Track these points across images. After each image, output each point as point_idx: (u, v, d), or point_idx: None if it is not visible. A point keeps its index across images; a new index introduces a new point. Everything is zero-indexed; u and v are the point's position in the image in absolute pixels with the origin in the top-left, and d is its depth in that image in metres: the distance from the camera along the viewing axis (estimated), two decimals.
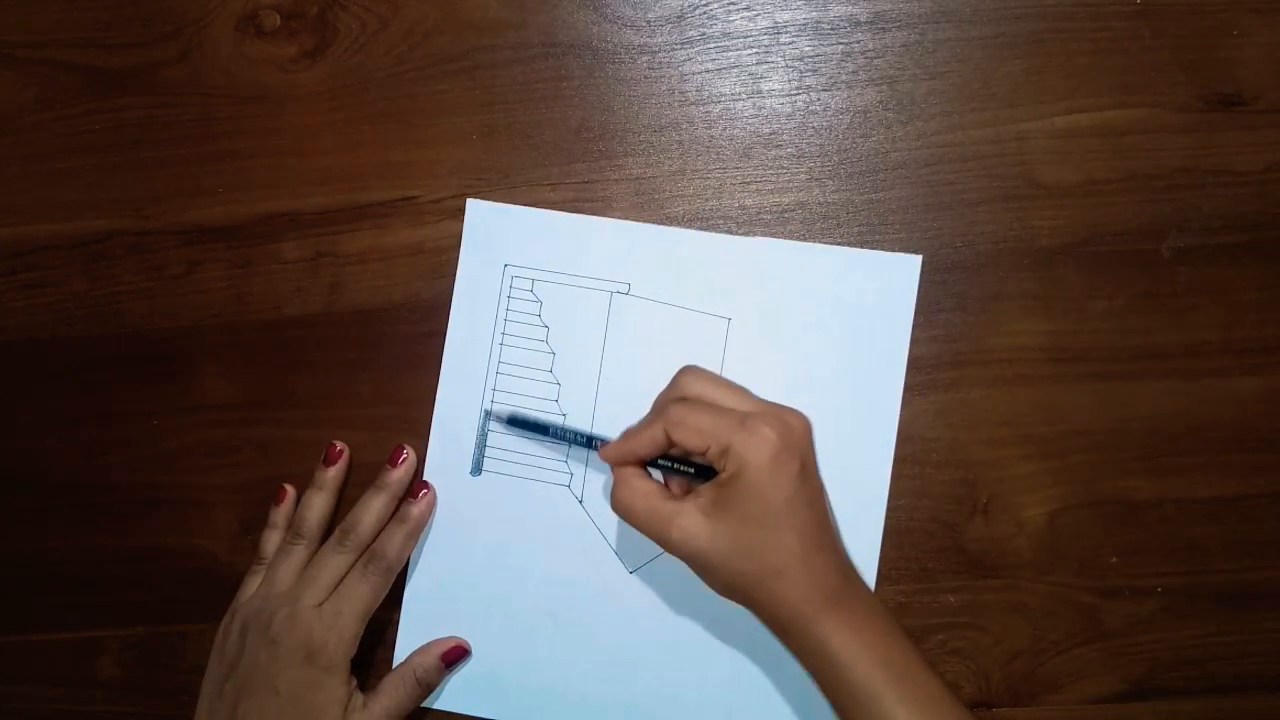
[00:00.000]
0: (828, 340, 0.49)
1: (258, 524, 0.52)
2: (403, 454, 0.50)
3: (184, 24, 0.53)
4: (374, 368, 0.52)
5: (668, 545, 0.44)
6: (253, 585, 0.50)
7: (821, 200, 0.51)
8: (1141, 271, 0.49)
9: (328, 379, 0.52)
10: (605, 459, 0.46)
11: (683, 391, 0.45)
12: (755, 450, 0.42)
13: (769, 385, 0.47)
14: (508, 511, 0.51)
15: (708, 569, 0.44)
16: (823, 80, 0.51)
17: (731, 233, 0.51)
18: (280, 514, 0.51)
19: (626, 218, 0.51)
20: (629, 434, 0.46)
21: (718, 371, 0.50)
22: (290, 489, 0.51)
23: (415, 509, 0.50)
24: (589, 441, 0.49)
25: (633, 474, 0.45)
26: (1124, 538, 0.49)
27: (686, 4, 0.52)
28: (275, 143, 0.53)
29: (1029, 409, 0.49)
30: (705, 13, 0.52)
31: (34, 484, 0.54)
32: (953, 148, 0.50)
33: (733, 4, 0.51)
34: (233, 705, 0.47)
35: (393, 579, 0.49)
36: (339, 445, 0.51)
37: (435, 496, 0.51)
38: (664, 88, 0.52)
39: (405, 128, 0.52)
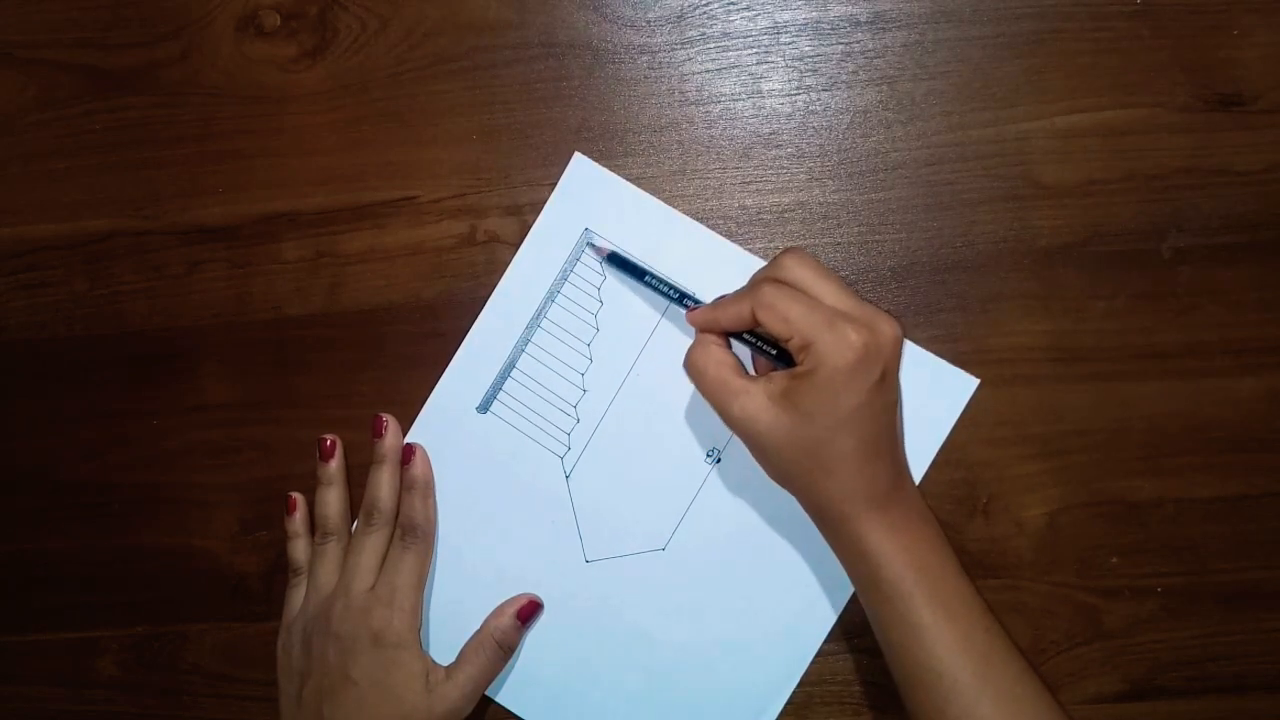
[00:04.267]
0: None
1: (258, 524, 0.52)
2: (383, 422, 0.51)
3: (184, 24, 0.53)
4: (374, 368, 0.52)
5: (727, 418, 0.44)
6: (296, 597, 0.50)
7: (821, 200, 0.51)
8: (1141, 271, 0.49)
9: (328, 379, 0.52)
10: (691, 322, 0.46)
11: (781, 273, 0.43)
12: (837, 354, 0.41)
13: None
14: (496, 458, 0.51)
15: (760, 451, 0.44)
16: (823, 80, 0.51)
17: (731, 234, 0.51)
18: (297, 522, 0.51)
19: None
20: (719, 302, 0.45)
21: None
22: (297, 495, 0.51)
23: (416, 470, 0.50)
24: (681, 299, 0.48)
25: (712, 341, 0.45)
26: (1124, 538, 0.49)
27: (686, 4, 0.52)
28: (275, 143, 0.53)
29: (1029, 409, 0.49)
30: (705, 13, 0.52)
31: (34, 484, 0.54)
32: (953, 148, 0.50)
33: (733, 4, 0.51)
34: (315, 711, 0.47)
35: (431, 542, 0.50)
36: (329, 438, 0.51)
37: (426, 452, 0.51)
38: (664, 88, 0.52)
39: (405, 128, 0.52)
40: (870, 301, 0.44)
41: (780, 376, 0.43)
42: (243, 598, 0.53)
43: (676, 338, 0.50)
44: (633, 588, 0.50)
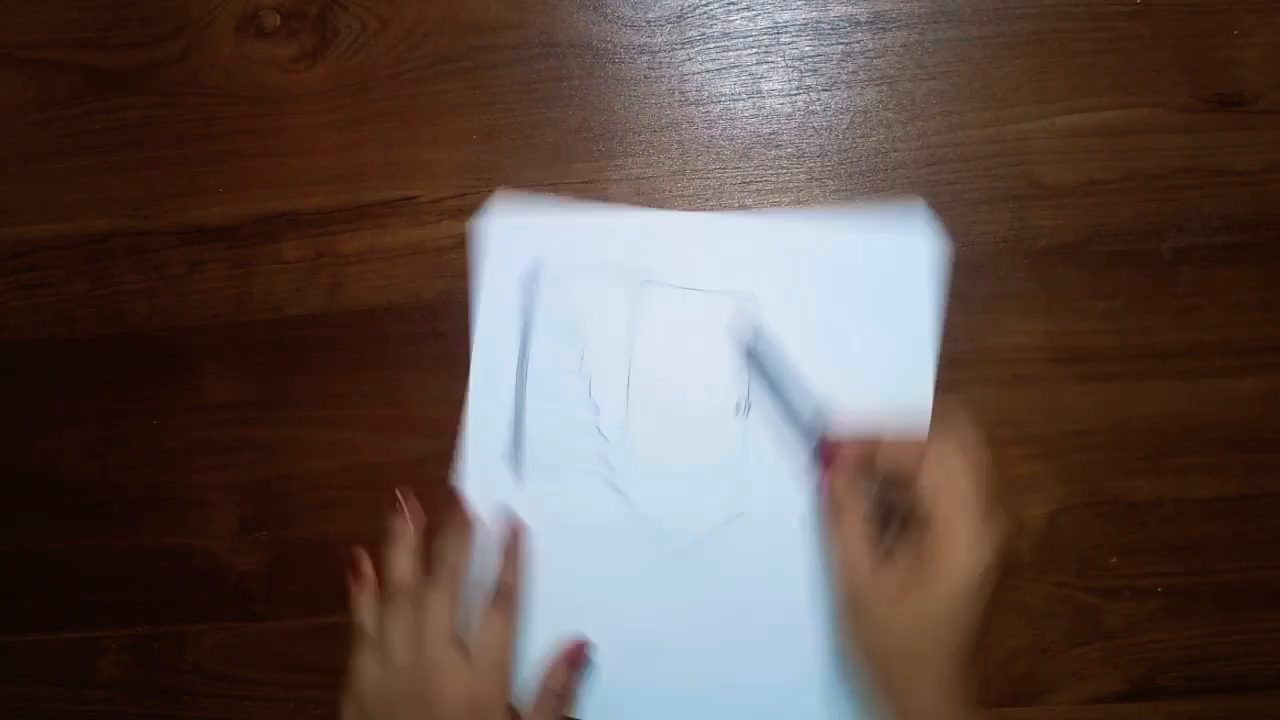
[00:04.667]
0: (851, 301, 0.49)
1: (258, 524, 0.52)
2: (463, 507, 0.50)
3: (184, 24, 0.53)
4: (374, 368, 0.52)
5: (851, 588, 0.43)
6: (366, 664, 0.47)
7: (821, 200, 0.51)
8: (1141, 271, 0.49)
9: (328, 379, 0.52)
10: (839, 455, 0.45)
11: (956, 440, 0.43)
12: (973, 564, 0.41)
13: (800, 347, 0.49)
14: (545, 507, 0.50)
15: (866, 637, 0.44)
16: (823, 80, 0.51)
17: None
18: (367, 584, 0.49)
19: None
20: (888, 440, 0.45)
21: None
22: (363, 555, 0.49)
23: (518, 543, 0.50)
24: (809, 435, 0.47)
25: (854, 508, 0.44)
26: (1124, 538, 0.49)
27: (686, 4, 0.52)
28: (275, 143, 0.53)
29: (1029, 409, 0.49)
30: (705, 13, 0.52)
31: (34, 484, 0.54)
32: (953, 148, 0.50)
33: (733, 4, 0.51)
34: None
35: (520, 605, 0.49)
36: (399, 496, 0.50)
37: (525, 530, 0.50)
38: (664, 88, 0.52)
39: (405, 128, 0.52)
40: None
41: (906, 562, 0.42)
42: (243, 598, 0.53)
43: (655, 314, 0.50)
44: (709, 580, 0.50)
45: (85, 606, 0.53)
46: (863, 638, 0.44)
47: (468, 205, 0.52)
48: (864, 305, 0.49)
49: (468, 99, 0.52)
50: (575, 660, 0.49)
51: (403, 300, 0.52)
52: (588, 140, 0.52)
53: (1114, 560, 0.49)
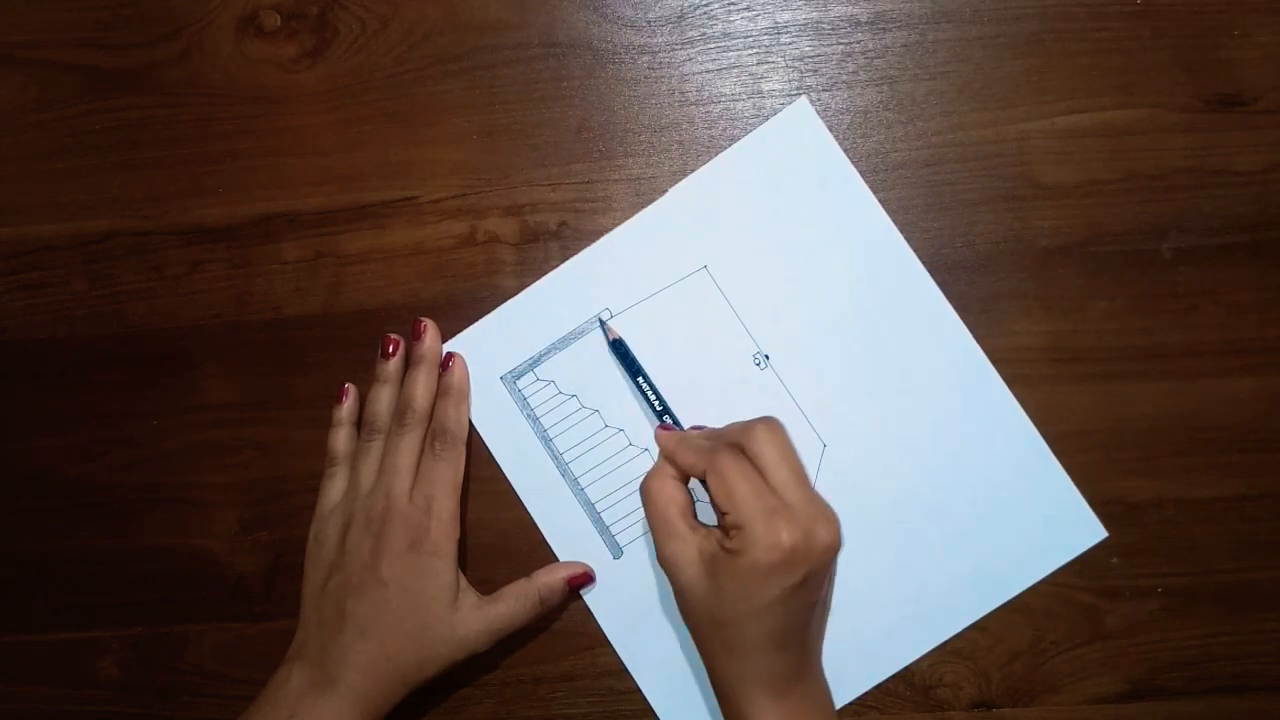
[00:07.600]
0: (794, 216, 0.50)
1: (258, 524, 0.52)
2: (422, 324, 0.51)
3: (184, 24, 0.53)
4: (374, 368, 0.52)
5: (659, 556, 0.44)
6: (332, 488, 0.50)
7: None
8: (1141, 272, 0.50)
9: (328, 379, 0.52)
10: (657, 441, 0.47)
11: (747, 442, 0.43)
12: (762, 549, 0.41)
13: (776, 281, 0.50)
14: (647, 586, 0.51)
15: (678, 597, 0.44)
16: (823, 80, 0.51)
17: None
18: (344, 411, 0.51)
19: (626, 218, 0.51)
20: (686, 439, 0.46)
21: (734, 318, 0.50)
22: (351, 387, 0.52)
23: (452, 377, 0.50)
24: (660, 414, 0.49)
25: (670, 474, 0.45)
26: (1124, 538, 0.49)
27: (686, 4, 0.52)
28: (275, 143, 0.53)
29: (1029, 409, 0.49)
30: (705, 13, 0.52)
31: (34, 484, 0.54)
32: (953, 148, 0.50)
33: (733, 4, 0.51)
34: (339, 601, 0.47)
35: (463, 449, 0.50)
36: (394, 336, 0.51)
37: (464, 360, 0.51)
38: (664, 88, 0.52)
39: (405, 128, 0.52)
40: (821, 499, 0.43)
41: (715, 540, 0.43)
42: (243, 598, 0.53)
43: (635, 338, 0.51)
44: None
45: (85, 606, 0.53)
46: (681, 606, 0.44)
47: (468, 205, 0.52)
48: (805, 210, 0.50)
49: (468, 99, 0.52)
50: (576, 584, 0.50)
51: (402, 300, 0.52)
52: (588, 140, 0.52)
53: (1114, 560, 0.49)
